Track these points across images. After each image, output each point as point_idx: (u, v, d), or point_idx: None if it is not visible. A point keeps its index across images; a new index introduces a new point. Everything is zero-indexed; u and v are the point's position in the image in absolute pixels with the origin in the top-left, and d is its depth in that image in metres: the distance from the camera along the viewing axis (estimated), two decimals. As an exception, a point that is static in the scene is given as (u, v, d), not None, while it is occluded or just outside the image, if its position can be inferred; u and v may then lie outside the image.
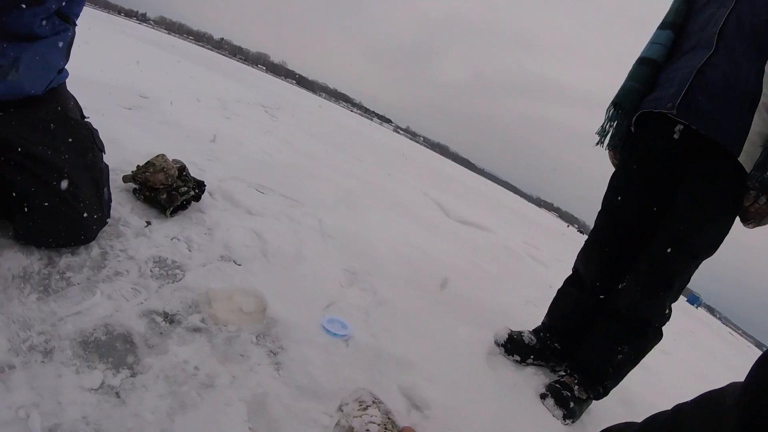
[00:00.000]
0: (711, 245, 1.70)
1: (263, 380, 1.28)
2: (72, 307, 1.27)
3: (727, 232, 1.68)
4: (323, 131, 8.72)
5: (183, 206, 2.01)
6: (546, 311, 2.27)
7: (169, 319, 1.39)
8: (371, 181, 5.18)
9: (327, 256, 2.28)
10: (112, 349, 1.20)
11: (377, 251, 2.70)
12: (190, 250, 1.79)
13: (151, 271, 1.58)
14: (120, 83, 4.30)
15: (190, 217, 2.04)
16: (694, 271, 1.79)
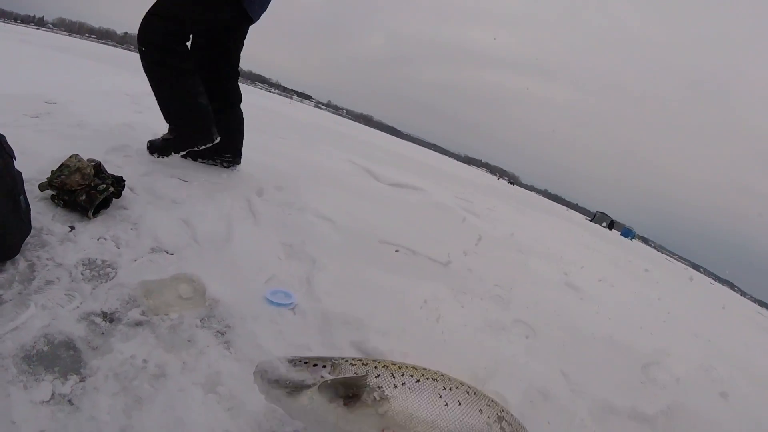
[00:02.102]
0: None
1: (214, 361, 1.26)
2: (8, 324, 1.18)
3: None
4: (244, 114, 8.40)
5: (104, 204, 1.88)
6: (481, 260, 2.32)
7: (109, 318, 1.32)
8: (296, 157, 5.08)
9: (261, 234, 2.23)
10: (56, 358, 1.14)
11: (311, 223, 2.67)
12: (118, 248, 1.69)
13: (82, 274, 1.48)
14: (23, 92, 3.89)
15: (114, 215, 1.92)
16: None
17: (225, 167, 3.12)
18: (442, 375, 1.11)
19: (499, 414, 1.09)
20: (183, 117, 2.66)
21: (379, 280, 2.17)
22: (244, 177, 3.21)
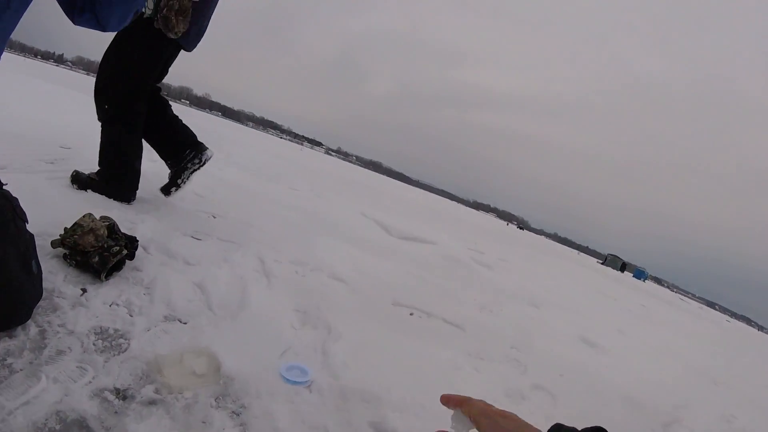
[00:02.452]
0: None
1: None
2: (19, 398, 1.14)
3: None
4: (254, 162, 8.54)
5: (117, 267, 1.89)
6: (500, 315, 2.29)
7: (122, 395, 1.29)
8: (308, 209, 5.12)
9: (274, 298, 2.21)
10: None
11: (325, 284, 2.66)
12: (131, 315, 1.67)
13: (94, 344, 1.45)
14: (38, 135, 4.01)
15: (127, 278, 1.91)
16: None
17: (197, 165, 3.19)
18: None
19: None
20: (116, 172, 2.84)
21: (395, 348, 2.13)
22: (257, 233, 3.23)
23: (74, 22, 1.51)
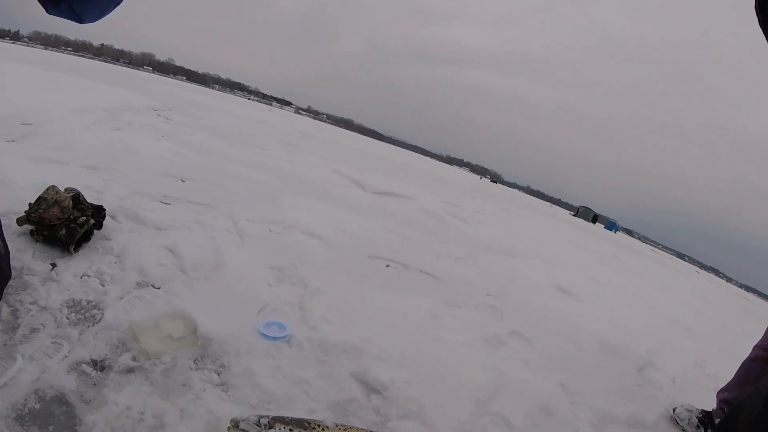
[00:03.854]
0: None
1: (213, 405, 1.19)
2: None
3: None
4: (223, 126, 8.29)
5: (86, 237, 1.82)
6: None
7: (99, 366, 1.25)
8: (280, 169, 5.02)
9: (249, 257, 2.17)
10: (49, 416, 1.07)
11: (299, 241, 2.62)
12: (103, 285, 1.62)
13: (67, 318, 1.40)
14: None
15: (96, 248, 1.84)
16: None
17: None
18: None
19: None
20: None
21: (373, 300, 2.13)
22: (230, 194, 3.15)
23: (48, 12, 1.37)
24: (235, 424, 1.05)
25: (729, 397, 1.84)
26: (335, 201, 4.13)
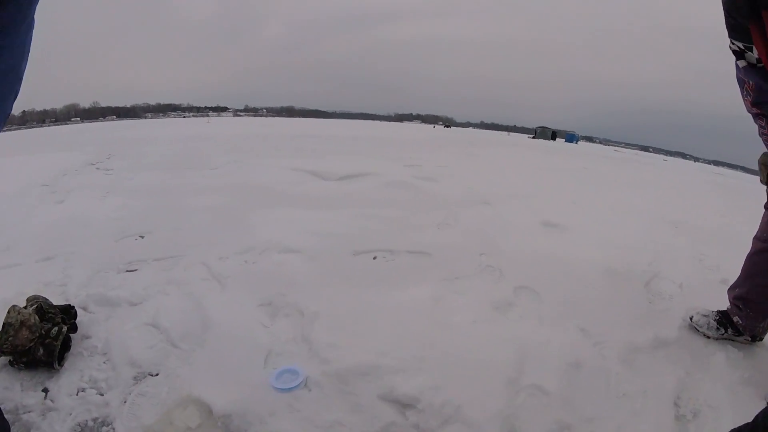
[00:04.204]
0: None
1: None
2: None
3: None
4: (164, 156, 7.89)
5: (65, 347, 1.67)
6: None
7: None
8: (234, 184, 4.82)
9: (234, 301, 2.04)
10: None
11: (279, 263, 2.50)
12: (102, 394, 1.49)
13: None
14: None
15: (81, 352, 1.69)
16: None
17: None
18: None
19: None
20: None
21: (372, 300, 2.05)
22: (192, 234, 2.98)
23: None
24: None
25: (740, 293, 1.85)
26: (300, 202, 3.99)
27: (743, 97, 1.47)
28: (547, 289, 2.30)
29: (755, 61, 1.30)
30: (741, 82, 1.45)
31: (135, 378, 1.56)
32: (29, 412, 1.41)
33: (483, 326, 1.91)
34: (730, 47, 1.36)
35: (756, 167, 1.73)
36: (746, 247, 1.89)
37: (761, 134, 1.54)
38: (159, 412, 1.39)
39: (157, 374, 1.57)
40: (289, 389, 1.43)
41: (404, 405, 1.40)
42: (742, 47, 1.31)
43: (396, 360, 1.58)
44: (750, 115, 1.52)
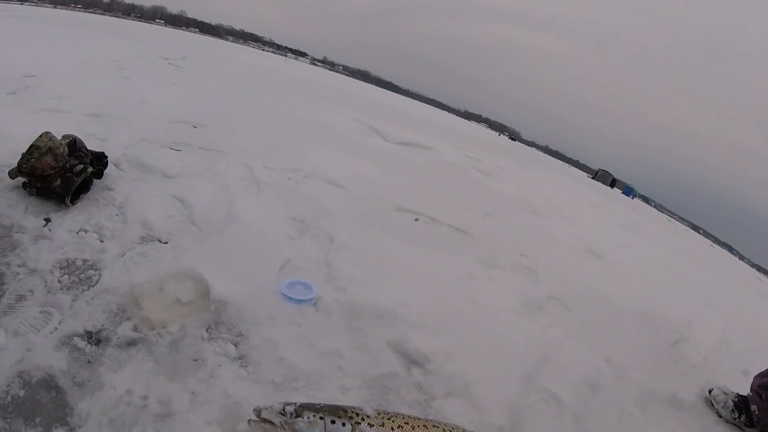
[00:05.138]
0: None
1: (230, 386, 1.01)
2: None
3: None
4: (236, 74, 7.92)
5: (84, 188, 1.61)
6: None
7: (94, 339, 1.06)
8: (297, 117, 4.75)
9: (266, 207, 1.96)
10: (36, 404, 0.90)
11: (322, 190, 2.41)
12: (102, 241, 1.43)
13: (59, 281, 1.22)
14: (0, 67, 3.54)
15: (97, 199, 1.64)
16: None
17: None
18: (452, 430, 1.01)
19: None
20: None
21: (405, 257, 1.92)
22: (245, 141, 2.91)
23: None
24: (258, 413, 0.87)
25: (766, 382, 1.73)
26: (356, 150, 3.88)
27: None
28: (578, 308, 2.15)
29: None
30: None
31: (142, 238, 1.49)
32: (22, 233, 1.36)
33: (511, 317, 1.76)
34: None
35: None
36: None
37: None
38: (153, 276, 1.30)
39: (166, 242, 1.50)
40: (298, 301, 1.32)
41: (412, 361, 1.27)
42: None
43: (415, 314, 1.45)
44: None
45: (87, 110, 2.61)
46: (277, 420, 0.86)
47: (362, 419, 0.92)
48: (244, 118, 3.74)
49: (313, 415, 0.88)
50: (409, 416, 0.98)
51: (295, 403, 0.90)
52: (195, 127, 2.94)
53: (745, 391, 1.81)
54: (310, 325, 1.26)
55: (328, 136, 4.15)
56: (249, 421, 0.88)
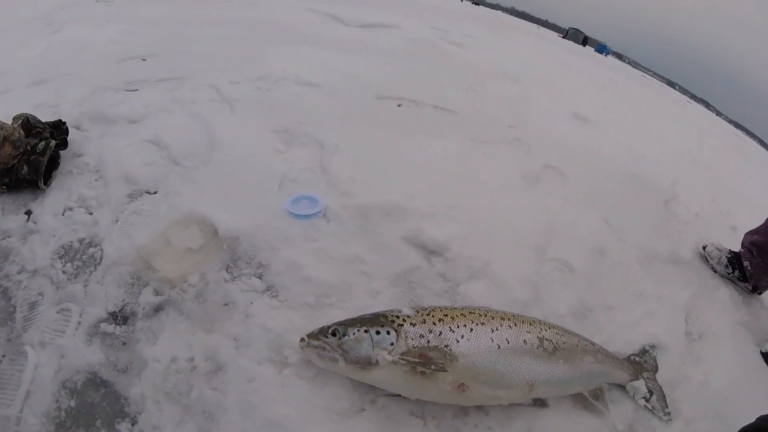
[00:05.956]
0: None
1: (268, 320, 1.01)
2: (15, 393, 0.90)
3: None
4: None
5: (53, 164, 1.49)
6: None
7: (120, 318, 1.04)
8: (248, 19, 4.34)
9: (245, 125, 1.84)
10: (90, 408, 0.89)
11: (296, 94, 2.27)
12: (91, 213, 1.35)
13: (64, 272, 1.16)
14: None
15: (70, 171, 1.52)
16: None
17: None
18: (486, 313, 1.06)
19: (539, 336, 1.11)
20: None
21: (399, 148, 1.87)
22: (202, 59, 2.68)
23: None
24: (308, 343, 0.88)
25: (758, 240, 1.83)
26: (319, 42, 3.61)
27: None
28: (573, 175, 2.17)
29: None
30: None
31: (130, 195, 1.41)
32: (9, 236, 1.27)
33: (512, 191, 1.78)
34: None
35: None
36: (754, 204, 1.78)
37: None
38: (155, 232, 1.24)
39: (155, 192, 1.42)
40: (307, 216, 1.29)
41: (430, 251, 1.29)
42: None
43: (423, 204, 1.44)
44: None
45: (28, 80, 2.35)
46: (326, 344, 0.87)
47: (403, 320, 0.94)
48: (193, 35, 3.42)
49: (358, 330, 0.90)
50: (445, 307, 1.00)
51: (338, 323, 0.91)
52: (145, 60, 2.69)
53: (737, 246, 1.91)
54: (325, 237, 1.25)
55: (286, 33, 3.84)
56: (302, 347, 0.89)
